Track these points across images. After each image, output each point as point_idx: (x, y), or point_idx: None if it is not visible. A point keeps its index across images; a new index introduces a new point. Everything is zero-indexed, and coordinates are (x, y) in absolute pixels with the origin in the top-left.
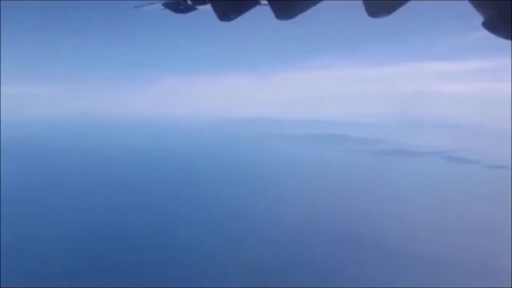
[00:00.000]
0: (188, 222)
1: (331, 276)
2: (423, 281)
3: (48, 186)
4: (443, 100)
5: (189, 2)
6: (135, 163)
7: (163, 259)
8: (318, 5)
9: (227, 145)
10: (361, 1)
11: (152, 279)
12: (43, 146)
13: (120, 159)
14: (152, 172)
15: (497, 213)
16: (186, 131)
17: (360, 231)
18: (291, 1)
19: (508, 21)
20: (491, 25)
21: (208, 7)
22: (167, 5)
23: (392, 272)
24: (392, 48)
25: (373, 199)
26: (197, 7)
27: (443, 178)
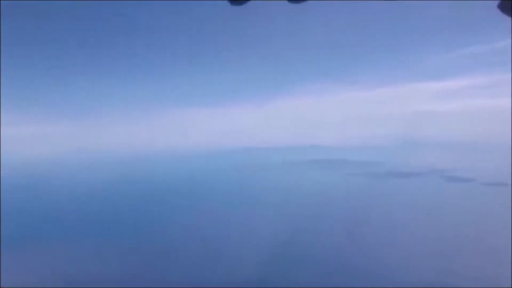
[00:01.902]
0: (188, 250)
1: None
2: None
3: (47, 223)
4: (439, 119)
5: None
6: (135, 195)
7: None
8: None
9: (226, 175)
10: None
11: None
12: (44, 185)
13: (120, 191)
14: (151, 203)
15: (494, 230)
16: (187, 162)
17: (361, 255)
18: None
19: None
20: (506, 7)
21: None
22: None
23: None
24: (386, 70)
25: (373, 222)
26: None
27: (442, 198)
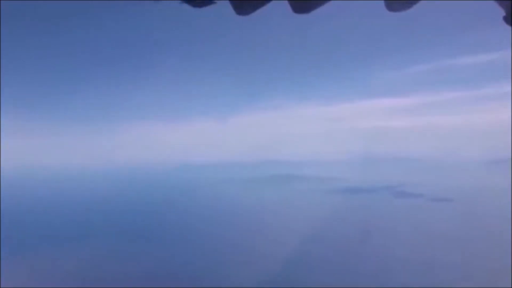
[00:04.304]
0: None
1: None
2: None
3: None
4: (393, 135)
5: None
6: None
7: None
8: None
9: (184, 192)
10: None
11: None
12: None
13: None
14: (111, 219)
15: (433, 243)
16: (143, 178)
17: (311, 274)
18: None
19: None
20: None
21: (225, 1)
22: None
23: None
24: (343, 86)
25: (321, 239)
26: (215, 0)
27: (389, 214)
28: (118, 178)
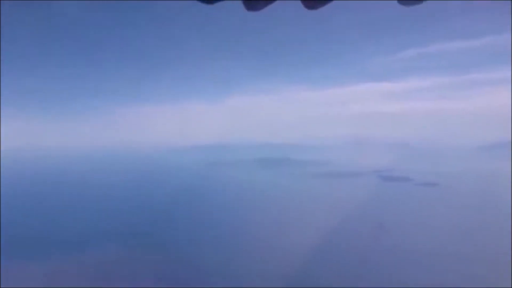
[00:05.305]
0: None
1: None
2: None
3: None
4: (384, 120)
5: None
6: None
7: None
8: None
9: (175, 173)
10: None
11: None
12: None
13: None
14: (103, 202)
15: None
16: (135, 160)
17: (293, 258)
18: None
19: None
20: None
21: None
22: None
23: None
24: (335, 70)
25: (306, 222)
26: None
27: (375, 198)
28: (111, 160)
